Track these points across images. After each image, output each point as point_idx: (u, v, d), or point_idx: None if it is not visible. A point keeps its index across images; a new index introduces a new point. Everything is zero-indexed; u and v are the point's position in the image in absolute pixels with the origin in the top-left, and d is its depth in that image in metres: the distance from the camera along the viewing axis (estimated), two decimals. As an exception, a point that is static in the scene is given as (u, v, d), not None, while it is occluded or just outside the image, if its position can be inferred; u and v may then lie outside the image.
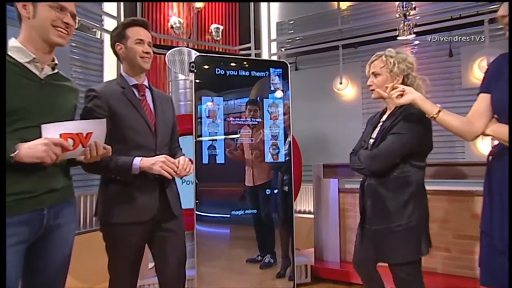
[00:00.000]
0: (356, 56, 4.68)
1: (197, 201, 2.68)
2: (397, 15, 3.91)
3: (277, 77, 2.96)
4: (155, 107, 1.88)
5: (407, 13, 3.84)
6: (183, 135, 2.88)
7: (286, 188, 2.97)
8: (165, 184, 1.84)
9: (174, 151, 1.99)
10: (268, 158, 2.94)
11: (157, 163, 1.72)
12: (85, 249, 2.78)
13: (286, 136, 2.98)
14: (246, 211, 2.88)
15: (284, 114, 2.98)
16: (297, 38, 5.08)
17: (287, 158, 2.97)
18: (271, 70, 2.95)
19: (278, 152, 2.95)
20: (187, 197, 2.62)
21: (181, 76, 3.38)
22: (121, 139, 1.76)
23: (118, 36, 1.86)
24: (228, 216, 2.81)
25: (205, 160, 2.76)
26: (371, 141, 1.95)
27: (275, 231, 2.97)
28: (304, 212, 4.72)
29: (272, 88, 2.96)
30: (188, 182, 3.15)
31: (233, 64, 2.89)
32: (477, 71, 3.92)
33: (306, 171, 3.83)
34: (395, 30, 3.92)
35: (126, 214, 1.76)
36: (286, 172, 2.97)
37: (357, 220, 3.48)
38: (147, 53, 1.84)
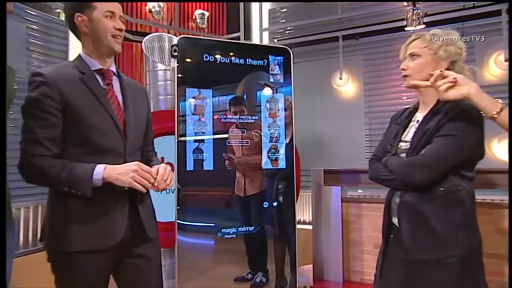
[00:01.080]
0: (357, 49, 4.50)
1: (178, 208, 2.43)
2: (405, 3, 3.66)
3: (277, 67, 2.67)
4: (125, 100, 1.58)
5: (416, 1, 3.60)
6: (163, 135, 2.65)
7: (286, 199, 2.74)
8: (136, 198, 1.54)
9: (147, 156, 1.72)
10: (266, 164, 2.66)
11: (127, 172, 1.43)
12: (26, 275, 2.50)
13: (287, 138, 2.72)
14: (240, 229, 2.59)
15: (286, 110, 2.71)
16: (292, 28, 4.85)
17: (289, 164, 2.71)
18: (271, 58, 2.66)
19: (278, 157, 2.68)
20: (166, 208, 2.41)
21: (160, 66, 3.13)
22: (79, 141, 1.47)
23: (79, 4, 1.51)
24: (214, 225, 2.58)
25: (190, 166, 2.49)
26: (404, 145, 1.61)
27: (267, 244, 2.73)
28: (299, 222, 4.47)
29: (272, 80, 2.67)
30: (168, 191, 2.83)
31: (224, 50, 2.58)
32: (494, 67, 3.71)
33: (303, 176, 3.61)
34: (402, 20, 3.68)
35: (84, 239, 1.45)
36: (286, 181, 2.72)
37: (362, 233, 3.32)
38: (120, 30, 1.54)
